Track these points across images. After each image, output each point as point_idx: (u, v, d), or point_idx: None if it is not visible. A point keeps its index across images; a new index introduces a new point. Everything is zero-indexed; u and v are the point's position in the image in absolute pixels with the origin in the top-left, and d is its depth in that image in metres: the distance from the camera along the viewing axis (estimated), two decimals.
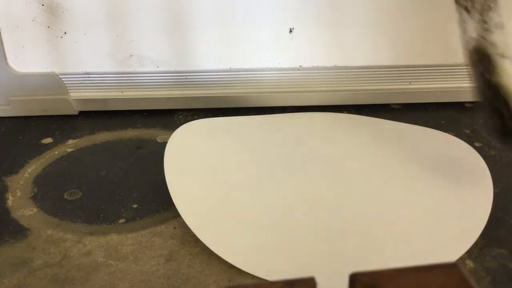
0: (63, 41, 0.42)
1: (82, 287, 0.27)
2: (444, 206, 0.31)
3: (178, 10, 0.41)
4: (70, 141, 0.40)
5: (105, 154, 0.39)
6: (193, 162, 0.35)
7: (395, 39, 0.42)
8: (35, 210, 0.33)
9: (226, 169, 0.35)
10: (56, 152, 0.39)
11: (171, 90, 0.44)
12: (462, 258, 0.28)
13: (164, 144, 0.36)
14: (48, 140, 0.41)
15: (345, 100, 0.44)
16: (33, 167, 0.37)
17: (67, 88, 0.43)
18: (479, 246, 0.29)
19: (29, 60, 0.42)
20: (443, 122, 0.42)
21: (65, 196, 0.34)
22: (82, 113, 0.44)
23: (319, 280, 0.17)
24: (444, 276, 0.16)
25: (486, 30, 0.27)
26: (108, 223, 0.31)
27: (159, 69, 0.43)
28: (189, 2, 0.40)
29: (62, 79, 0.43)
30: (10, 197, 0.34)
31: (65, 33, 0.41)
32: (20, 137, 0.41)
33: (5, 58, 0.42)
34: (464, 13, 0.28)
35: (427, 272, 0.16)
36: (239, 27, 0.42)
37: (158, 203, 0.33)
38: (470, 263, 0.28)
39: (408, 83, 0.44)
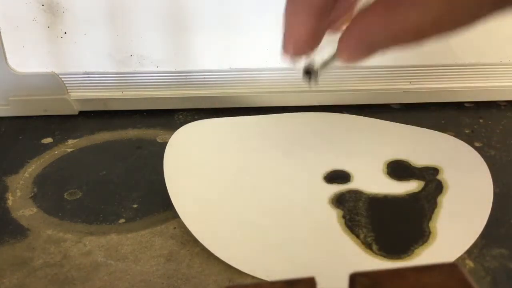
0: (63, 41, 0.42)
1: (82, 287, 0.27)
2: (444, 205, 0.31)
3: (178, 10, 0.41)
4: (70, 141, 0.40)
5: (105, 154, 0.39)
6: (192, 162, 0.35)
7: None
8: (35, 210, 0.33)
9: (226, 169, 0.35)
10: (56, 152, 0.39)
11: (171, 90, 0.44)
12: (462, 258, 0.28)
13: (164, 144, 0.36)
14: (48, 140, 0.41)
15: (345, 100, 0.44)
16: (33, 167, 0.37)
17: (67, 88, 0.43)
18: (479, 246, 0.29)
19: (29, 60, 0.42)
20: (443, 122, 0.42)
21: (65, 196, 0.34)
22: (82, 113, 0.44)
23: (319, 280, 0.17)
24: (444, 276, 0.16)
25: None
26: (108, 223, 0.31)
27: (159, 69, 0.43)
28: (189, 2, 0.40)
29: (62, 79, 0.43)
30: (10, 197, 0.34)
31: (65, 33, 0.41)
32: (20, 137, 0.41)
33: (5, 58, 0.42)
34: None
35: (427, 272, 0.16)
36: (239, 27, 0.42)
37: (158, 203, 0.33)
38: (470, 263, 0.28)
39: (408, 83, 0.44)
